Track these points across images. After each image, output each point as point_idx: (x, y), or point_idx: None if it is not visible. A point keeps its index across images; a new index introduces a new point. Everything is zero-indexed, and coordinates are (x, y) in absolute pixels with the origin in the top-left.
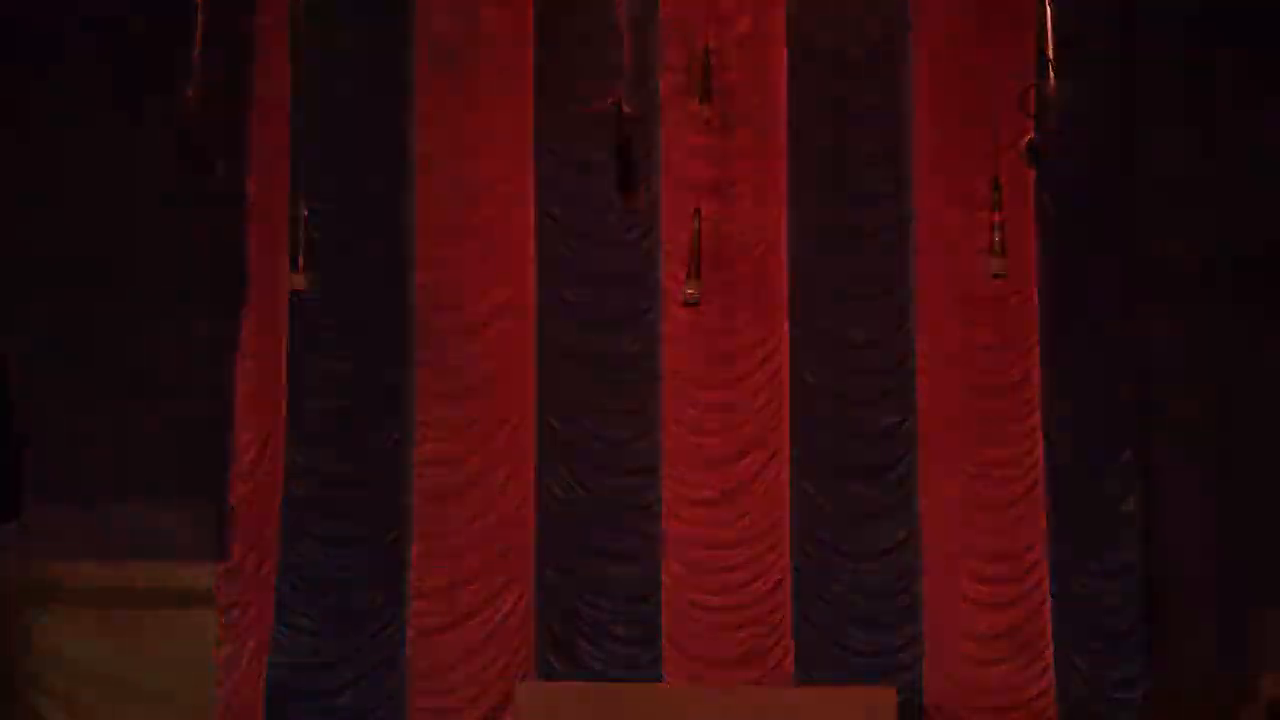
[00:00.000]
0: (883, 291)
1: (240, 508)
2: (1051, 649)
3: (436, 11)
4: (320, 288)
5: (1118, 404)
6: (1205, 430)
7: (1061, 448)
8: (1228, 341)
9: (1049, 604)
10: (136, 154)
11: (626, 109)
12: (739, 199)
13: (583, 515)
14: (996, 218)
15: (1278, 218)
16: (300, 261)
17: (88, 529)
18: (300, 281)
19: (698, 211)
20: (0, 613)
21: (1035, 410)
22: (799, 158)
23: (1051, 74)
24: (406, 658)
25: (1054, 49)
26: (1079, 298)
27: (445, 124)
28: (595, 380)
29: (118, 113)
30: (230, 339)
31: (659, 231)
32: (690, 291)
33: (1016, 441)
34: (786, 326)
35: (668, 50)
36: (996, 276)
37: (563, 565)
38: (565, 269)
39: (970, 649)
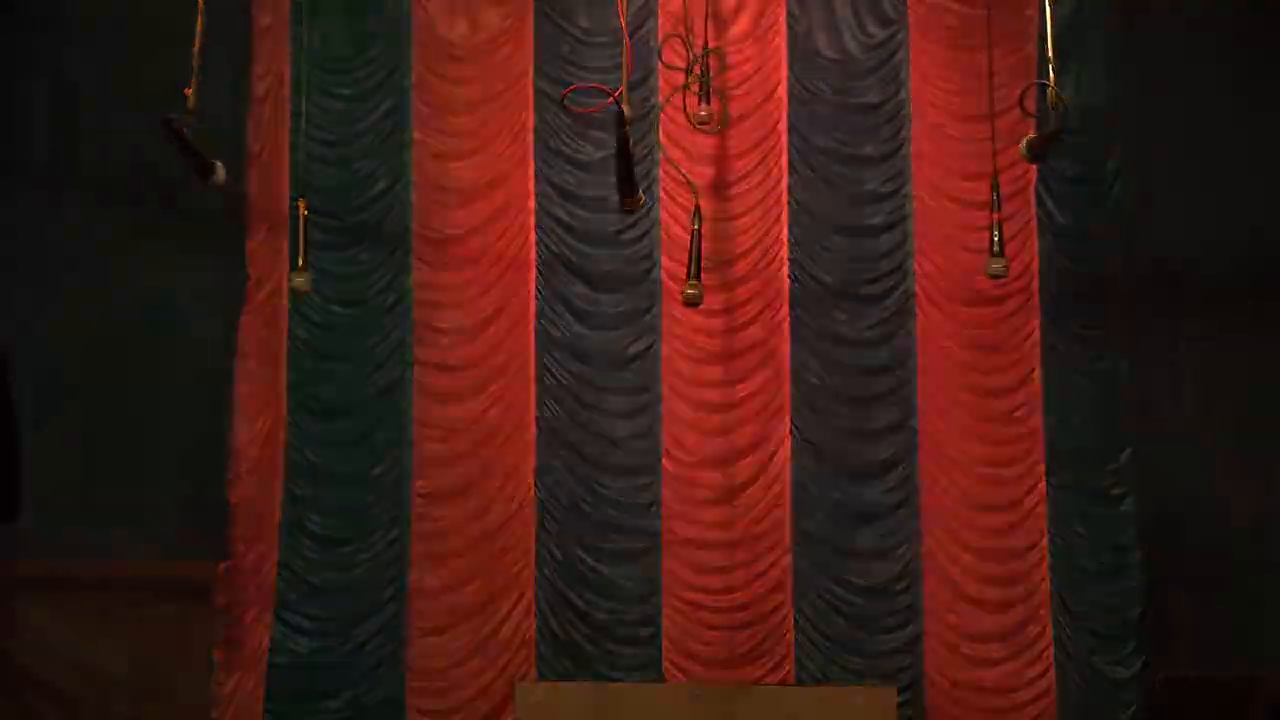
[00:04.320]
0: (883, 291)
1: (240, 507)
2: (1051, 649)
3: (436, 11)
4: (320, 287)
5: (1118, 404)
6: (1205, 429)
7: (1061, 447)
8: (1228, 340)
9: (1049, 604)
10: (135, 153)
11: (626, 109)
12: (739, 199)
13: (583, 515)
14: (996, 218)
15: (1278, 219)
16: (300, 261)
17: (88, 528)
18: (300, 281)
19: (698, 211)
20: None
21: (1035, 410)
22: (799, 158)
23: (1051, 74)
24: (406, 658)
25: (1054, 49)
26: (1079, 298)
27: (445, 124)
28: (595, 380)
29: (116, 112)
30: (230, 339)
31: (659, 231)
32: (690, 292)
33: (1016, 441)
34: (786, 326)
35: (667, 50)
36: (996, 276)
37: (563, 565)
38: (565, 269)
39: (970, 649)
